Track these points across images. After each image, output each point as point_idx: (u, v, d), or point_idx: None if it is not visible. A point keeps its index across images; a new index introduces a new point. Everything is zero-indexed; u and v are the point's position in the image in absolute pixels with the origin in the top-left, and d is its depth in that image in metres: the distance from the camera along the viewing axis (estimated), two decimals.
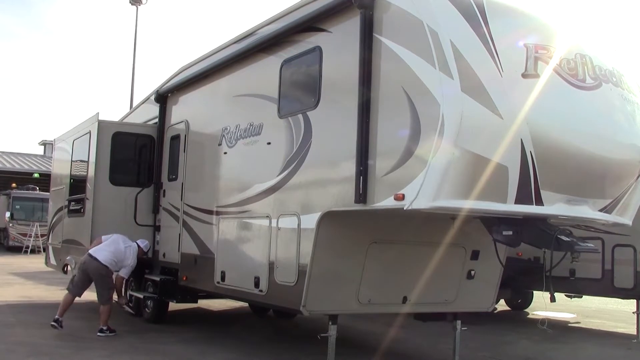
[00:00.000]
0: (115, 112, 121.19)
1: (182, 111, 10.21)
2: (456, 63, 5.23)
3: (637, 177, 6.43)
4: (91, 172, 10.61)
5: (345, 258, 6.57)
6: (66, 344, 8.39)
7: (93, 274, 9.05)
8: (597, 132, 5.80)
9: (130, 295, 10.89)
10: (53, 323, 9.00)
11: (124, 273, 9.33)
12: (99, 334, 8.93)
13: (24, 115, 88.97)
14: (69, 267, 11.48)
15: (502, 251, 7.02)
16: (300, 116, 6.92)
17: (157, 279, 10.02)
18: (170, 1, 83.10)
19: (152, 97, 11.14)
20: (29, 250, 27.84)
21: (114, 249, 9.20)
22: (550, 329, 8.96)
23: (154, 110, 11.06)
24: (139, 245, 9.50)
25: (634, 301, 10.64)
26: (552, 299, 6.32)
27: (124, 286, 9.89)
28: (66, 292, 9.32)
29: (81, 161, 11.36)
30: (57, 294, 13.92)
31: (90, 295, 9.50)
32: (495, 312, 11.21)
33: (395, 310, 7.34)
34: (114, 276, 9.32)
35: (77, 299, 9.33)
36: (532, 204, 5.56)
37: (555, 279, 6.67)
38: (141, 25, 68.10)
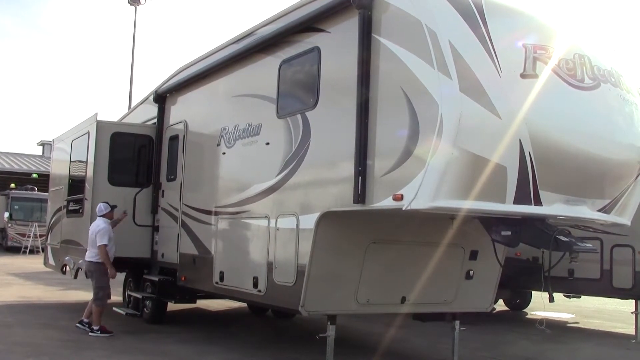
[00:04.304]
0: (114, 112, 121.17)
1: (180, 111, 10.21)
2: (455, 63, 5.23)
3: (636, 178, 6.44)
4: (90, 172, 10.60)
5: (344, 258, 6.57)
6: (66, 344, 8.39)
7: (87, 273, 9.23)
8: (595, 133, 5.81)
9: (130, 296, 10.91)
10: (78, 325, 9.11)
11: (101, 241, 9.05)
12: (90, 333, 8.96)
13: (22, 115, 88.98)
14: (67, 267, 11.48)
15: (500, 251, 7.02)
16: (299, 116, 6.92)
17: (156, 279, 10.02)
18: (169, 1, 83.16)
19: (151, 98, 11.14)
20: (27, 251, 27.82)
21: (91, 241, 9.24)
22: (548, 329, 8.95)
23: (152, 110, 11.06)
24: (99, 216, 9.35)
25: (633, 301, 10.66)
26: (551, 299, 6.33)
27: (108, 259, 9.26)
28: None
29: (80, 161, 11.35)
30: (56, 294, 13.94)
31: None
32: (494, 312, 11.20)
33: (394, 310, 7.34)
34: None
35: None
36: (531, 204, 5.57)
37: (554, 279, 6.65)
38: (140, 25, 68.17)
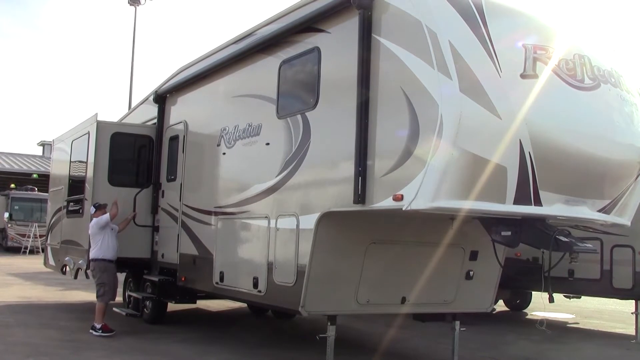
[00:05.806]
0: (114, 112, 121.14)
1: (181, 112, 10.21)
2: (455, 64, 5.23)
3: (636, 178, 6.44)
4: (90, 172, 10.60)
5: (344, 258, 6.56)
6: (66, 344, 8.39)
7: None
8: (595, 133, 5.81)
9: (130, 296, 10.91)
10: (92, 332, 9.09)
11: (105, 222, 9.33)
12: (91, 331, 8.98)
13: (22, 115, 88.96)
14: (67, 267, 11.47)
15: (500, 251, 7.02)
16: (299, 116, 6.91)
17: (156, 279, 10.01)
18: (169, 1, 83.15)
19: (151, 98, 11.14)
20: (27, 251, 27.83)
21: (91, 240, 9.40)
22: (548, 330, 8.96)
23: (152, 110, 11.06)
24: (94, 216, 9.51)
25: (633, 301, 10.65)
26: (551, 300, 6.32)
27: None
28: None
29: (80, 162, 11.35)
30: (55, 294, 13.93)
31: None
32: (494, 312, 11.20)
33: (394, 310, 7.34)
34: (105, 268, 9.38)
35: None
36: (531, 205, 5.57)
37: (554, 279, 6.67)
38: (140, 25, 68.14)
